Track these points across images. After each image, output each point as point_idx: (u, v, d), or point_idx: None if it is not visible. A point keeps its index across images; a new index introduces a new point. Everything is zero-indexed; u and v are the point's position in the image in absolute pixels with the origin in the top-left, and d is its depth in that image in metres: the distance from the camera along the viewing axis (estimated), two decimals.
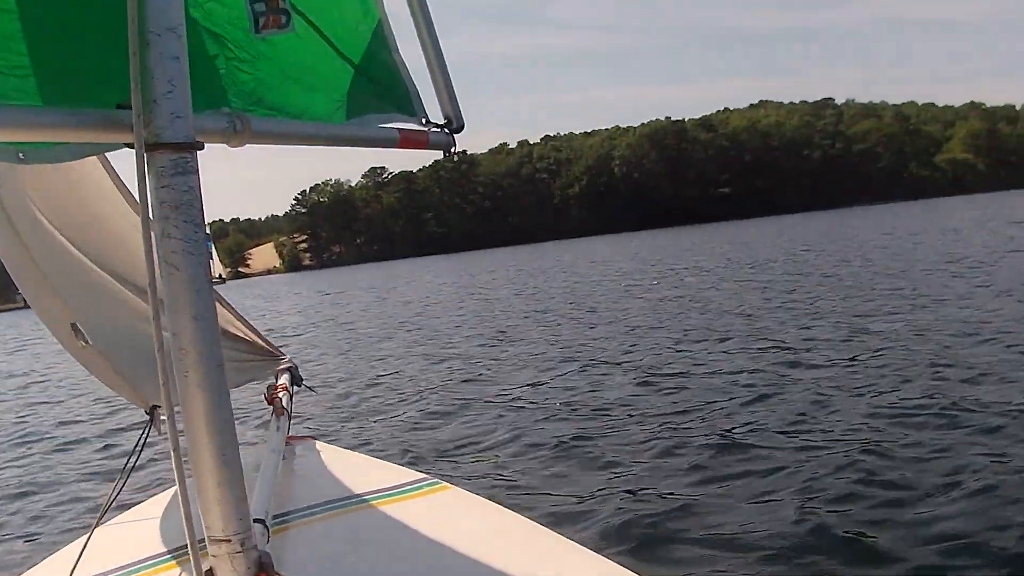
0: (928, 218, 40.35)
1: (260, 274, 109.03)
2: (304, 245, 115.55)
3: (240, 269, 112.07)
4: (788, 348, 9.31)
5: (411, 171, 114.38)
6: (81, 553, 1.94)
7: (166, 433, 2.47)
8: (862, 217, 52.62)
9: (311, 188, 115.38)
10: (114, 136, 1.28)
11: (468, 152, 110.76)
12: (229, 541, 1.46)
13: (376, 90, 1.99)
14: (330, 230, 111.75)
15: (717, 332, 11.37)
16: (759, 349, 9.52)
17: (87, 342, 2.24)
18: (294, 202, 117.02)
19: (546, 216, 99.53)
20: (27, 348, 28.34)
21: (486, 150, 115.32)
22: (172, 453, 1.33)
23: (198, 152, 1.33)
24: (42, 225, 2.04)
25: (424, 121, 2.05)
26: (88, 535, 2.08)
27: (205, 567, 1.50)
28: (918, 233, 29.16)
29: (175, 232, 1.30)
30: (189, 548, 1.37)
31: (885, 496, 4.35)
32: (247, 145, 1.51)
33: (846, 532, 3.97)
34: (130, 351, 2.53)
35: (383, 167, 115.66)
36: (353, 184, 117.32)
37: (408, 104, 2.06)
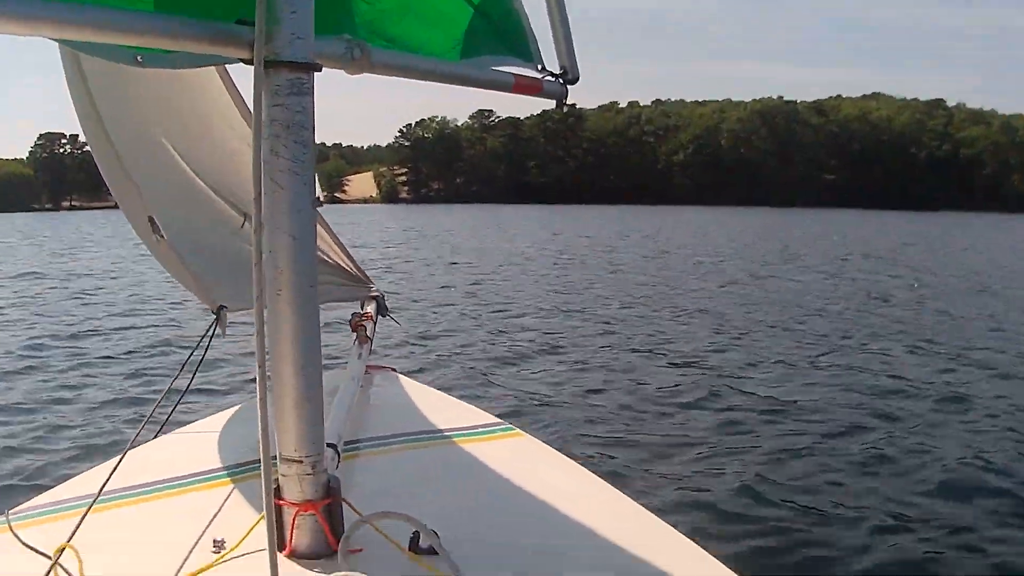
0: None
1: (356, 201, 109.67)
2: (403, 178, 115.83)
3: (336, 194, 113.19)
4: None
5: (518, 118, 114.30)
6: (116, 462, 1.90)
7: (230, 333, 2.54)
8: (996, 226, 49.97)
9: (416, 123, 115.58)
10: (231, 51, 1.27)
11: (577, 106, 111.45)
12: (300, 462, 1.48)
13: (495, 32, 1.97)
14: (431, 166, 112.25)
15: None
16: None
17: (162, 236, 2.24)
18: (398, 134, 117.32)
19: (648, 179, 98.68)
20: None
21: (595, 106, 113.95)
22: (257, 368, 1.30)
23: (315, 75, 1.34)
24: (132, 118, 2.04)
25: (540, 68, 2.04)
26: (142, 438, 2.07)
27: (272, 485, 1.50)
28: None
29: (284, 151, 1.32)
30: (262, 463, 1.35)
31: None
32: (364, 74, 1.49)
33: None
34: (204, 252, 2.51)
35: (491, 110, 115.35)
36: (459, 124, 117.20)
37: (526, 49, 2.05)
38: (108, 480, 1.77)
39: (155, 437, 2.34)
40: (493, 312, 12.41)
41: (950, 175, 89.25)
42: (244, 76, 1.40)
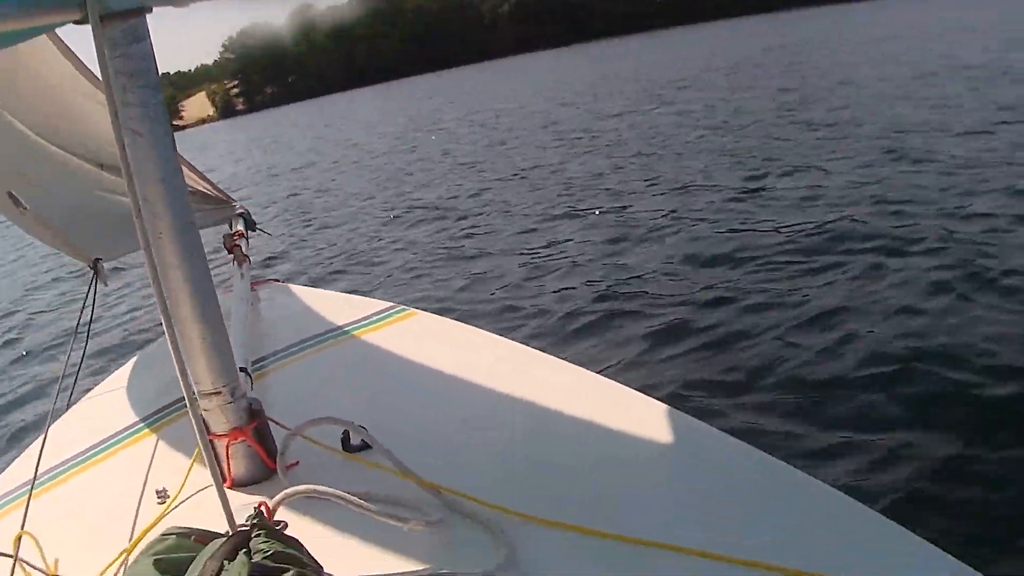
0: None
1: (194, 124, 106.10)
2: (236, 90, 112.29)
3: (175, 122, 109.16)
4: None
5: (339, 6, 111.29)
6: (41, 443, 1.84)
7: (107, 286, 2.52)
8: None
9: (239, 32, 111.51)
10: (61, 16, 1.23)
11: None
12: (219, 393, 1.48)
13: None
14: (260, 72, 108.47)
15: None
16: None
17: (25, 208, 2.21)
18: (222, 48, 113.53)
19: (478, 38, 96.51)
20: None
21: None
22: (161, 314, 1.28)
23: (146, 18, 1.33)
24: None
25: None
26: (58, 412, 2.04)
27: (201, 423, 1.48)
28: None
29: (134, 99, 1.31)
30: (187, 402, 1.31)
31: None
32: (190, 5, 1.48)
33: None
34: (68, 212, 2.49)
35: (309, 3, 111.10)
36: (281, 23, 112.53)
37: None
38: (39, 462, 1.74)
39: (68, 409, 2.29)
40: (352, 204, 12.48)
41: None
42: (74, 35, 1.51)
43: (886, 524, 1.21)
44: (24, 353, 7.65)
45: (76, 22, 1.25)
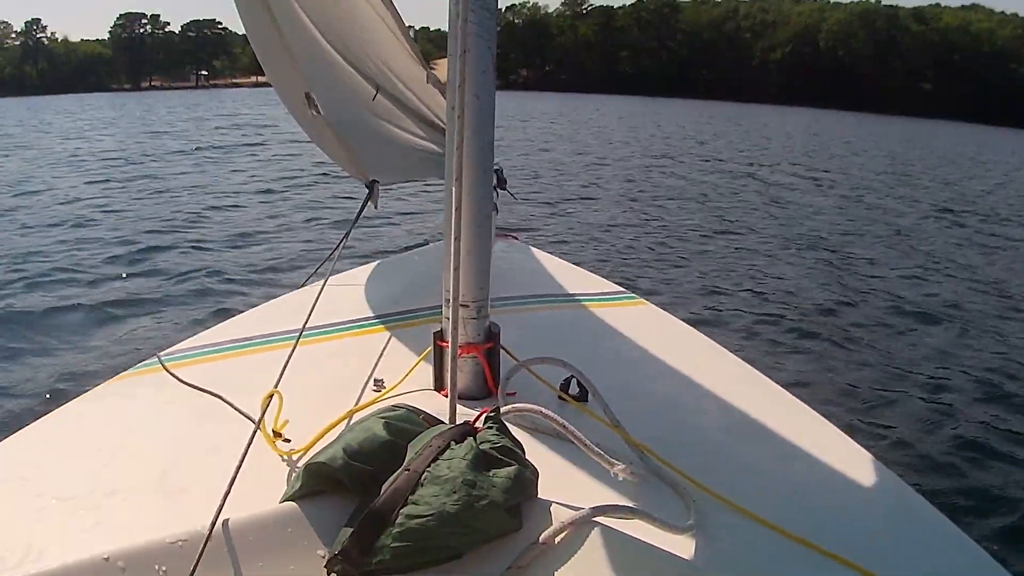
0: None
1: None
2: None
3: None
4: None
5: (611, 6, 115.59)
6: (315, 301, 1.98)
7: (376, 208, 2.58)
8: None
9: (507, 7, 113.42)
10: None
11: None
12: (467, 306, 1.60)
13: None
14: (519, 52, 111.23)
15: None
16: None
17: (318, 111, 2.25)
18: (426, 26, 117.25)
19: (743, 76, 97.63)
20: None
21: None
22: (452, 213, 1.45)
23: None
24: (296, 12, 2.08)
25: None
26: (320, 289, 2.12)
27: (436, 328, 1.70)
28: None
29: (472, 16, 1.45)
30: (451, 306, 1.48)
31: None
32: None
33: None
34: (356, 130, 2.56)
35: None
36: (551, 10, 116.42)
37: None
38: (308, 318, 1.88)
39: (313, 282, 2.45)
40: (611, 190, 13.86)
41: None
42: None
43: None
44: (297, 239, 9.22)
45: None
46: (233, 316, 2.41)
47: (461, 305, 1.59)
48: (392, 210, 10.72)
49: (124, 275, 7.50)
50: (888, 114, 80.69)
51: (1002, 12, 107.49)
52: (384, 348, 2.04)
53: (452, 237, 1.48)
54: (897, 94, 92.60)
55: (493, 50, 1.52)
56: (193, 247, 8.84)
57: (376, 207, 2.62)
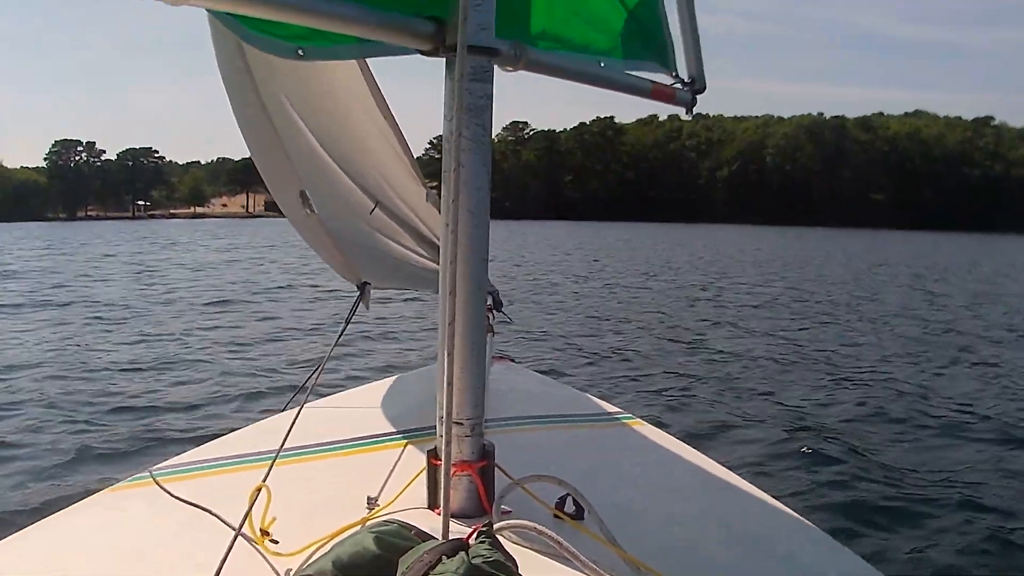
0: None
1: None
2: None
3: None
4: None
5: (554, 130, 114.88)
6: (295, 418, 2.03)
7: (368, 310, 2.63)
8: None
9: None
10: (413, 41, 1.43)
11: (615, 119, 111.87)
12: (462, 424, 1.60)
13: (642, 36, 2.07)
14: None
15: None
16: None
17: (312, 210, 2.32)
18: (428, 146, 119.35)
19: (689, 195, 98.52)
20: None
21: (633, 120, 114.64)
22: (446, 327, 1.45)
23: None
24: (289, 114, 2.16)
25: (674, 75, 2.11)
26: (298, 409, 2.15)
27: (430, 447, 1.69)
28: None
29: (466, 132, 1.46)
30: (444, 423, 1.48)
31: None
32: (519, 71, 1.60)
33: None
34: (351, 236, 2.61)
35: (525, 122, 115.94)
36: (493, 137, 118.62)
37: (665, 56, 2.11)
38: (287, 437, 1.91)
39: (302, 404, 2.35)
40: (583, 316, 14.05)
41: (1005, 194, 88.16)
42: (379, 68, 1.91)
43: None
44: (288, 346, 9.82)
45: (424, 53, 1.43)
46: (224, 435, 2.39)
47: (455, 423, 1.59)
48: (383, 331, 11.28)
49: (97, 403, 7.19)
50: (843, 227, 79.48)
51: (946, 116, 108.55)
52: (377, 467, 2.04)
53: (446, 352, 1.48)
54: (848, 205, 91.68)
55: (488, 166, 1.53)
56: (184, 362, 9.08)
57: (368, 309, 2.70)
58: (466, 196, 1.49)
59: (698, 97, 2.14)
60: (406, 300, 13.51)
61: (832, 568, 1.64)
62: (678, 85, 2.08)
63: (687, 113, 2.13)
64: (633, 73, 1.97)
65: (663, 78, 2.08)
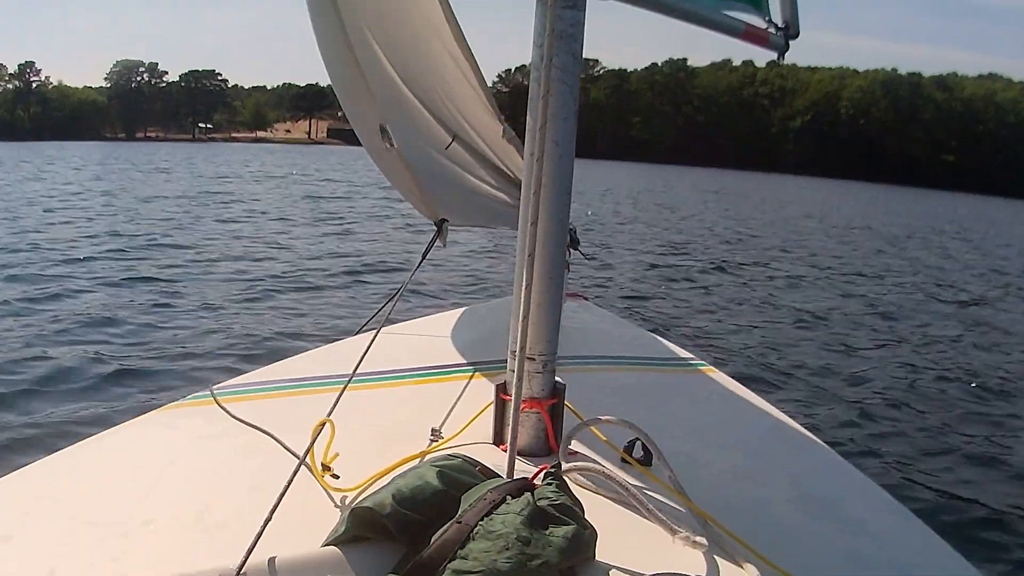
0: None
1: None
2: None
3: None
4: None
5: (624, 69, 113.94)
6: (370, 345, 2.04)
7: (444, 247, 2.75)
8: None
9: (517, 68, 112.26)
10: None
11: (688, 61, 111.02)
12: (534, 360, 1.61)
13: None
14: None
15: None
16: None
17: (392, 145, 2.29)
18: (496, 79, 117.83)
19: (760, 144, 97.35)
20: None
21: (707, 63, 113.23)
22: (524, 259, 1.48)
23: None
24: (370, 44, 2.13)
25: (767, 20, 2.06)
26: (375, 333, 2.18)
27: (498, 381, 1.72)
28: None
29: (556, 60, 1.48)
30: (517, 357, 1.50)
31: None
32: (608, 0, 1.58)
33: None
34: (428, 169, 2.60)
35: (596, 59, 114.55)
36: None
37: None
38: (360, 363, 1.93)
39: (377, 331, 2.33)
40: (658, 252, 14.48)
41: None
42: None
43: None
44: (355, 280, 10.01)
45: None
46: (289, 356, 2.40)
47: (527, 358, 1.58)
48: (458, 261, 11.54)
49: (164, 322, 7.48)
50: (912, 186, 79.48)
51: (1021, 80, 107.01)
52: (443, 398, 2.05)
53: (523, 285, 1.49)
54: (919, 164, 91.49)
55: (576, 97, 1.51)
56: (251, 286, 9.35)
57: (444, 246, 2.70)
58: (553, 126, 1.49)
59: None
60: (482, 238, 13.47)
61: (903, 539, 1.59)
62: (772, 29, 2.05)
63: (779, 58, 2.11)
64: (728, 13, 1.92)
65: (756, 20, 2.04)
